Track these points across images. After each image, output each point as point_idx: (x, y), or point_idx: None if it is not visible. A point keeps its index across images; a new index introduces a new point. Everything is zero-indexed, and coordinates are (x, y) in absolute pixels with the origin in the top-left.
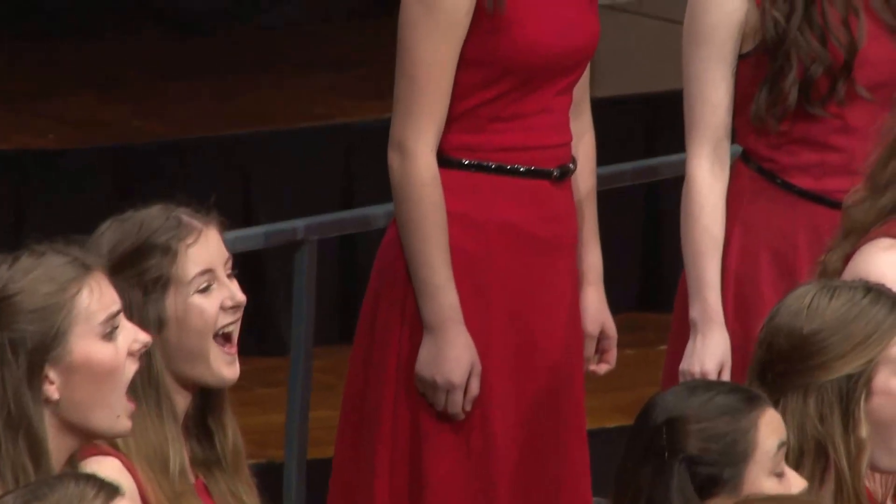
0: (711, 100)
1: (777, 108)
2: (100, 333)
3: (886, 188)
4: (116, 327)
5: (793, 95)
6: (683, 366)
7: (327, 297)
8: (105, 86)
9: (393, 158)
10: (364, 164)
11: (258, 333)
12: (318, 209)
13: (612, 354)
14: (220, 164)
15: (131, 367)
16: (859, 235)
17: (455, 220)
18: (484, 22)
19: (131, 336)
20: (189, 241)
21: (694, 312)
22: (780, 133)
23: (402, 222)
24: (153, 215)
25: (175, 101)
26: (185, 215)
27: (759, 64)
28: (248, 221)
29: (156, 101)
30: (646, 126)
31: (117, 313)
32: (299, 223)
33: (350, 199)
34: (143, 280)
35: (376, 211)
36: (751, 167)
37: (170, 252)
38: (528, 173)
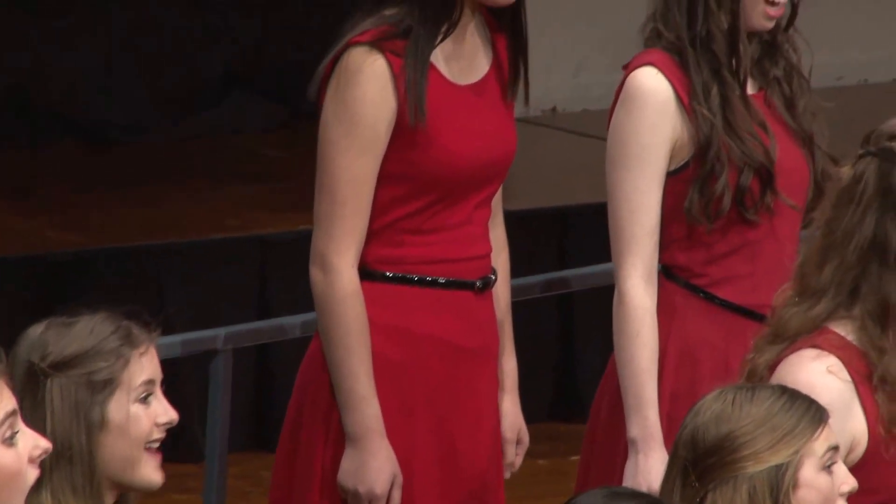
0: (644, 220)
1: (710, 209)
2: (0, 438)
3: (821, 296)
4: (16, 432)
5: (727, 198)
6: (627, 486)
7: (241, 403)
8: (18, 195)
9: (315, 274)
10: (279, 276)
11: (172, 439)
12: (231, 319)
13: (520, 460)
14: (135, 275)
15: (32, 474)
16: (788, 342)
17: (379, 330)
18: (405, 136)
19: (31, 442)
20: (141, 349)
21: (634, 431)
22: (710, 246)
23: (325, 336)
24: (103, 321)
25: (89, 211)
26: (133, 327)
27: (689, 178)
28: (162, 332)
29: (70, 212)
30: (558, 238)
31: (13, 413)
32: (219, 332)
33: (264, 310)
34: (91, 380)
35: (291, 321)
36: (678, 283)
37: (122, 357)
38: (451, 285)
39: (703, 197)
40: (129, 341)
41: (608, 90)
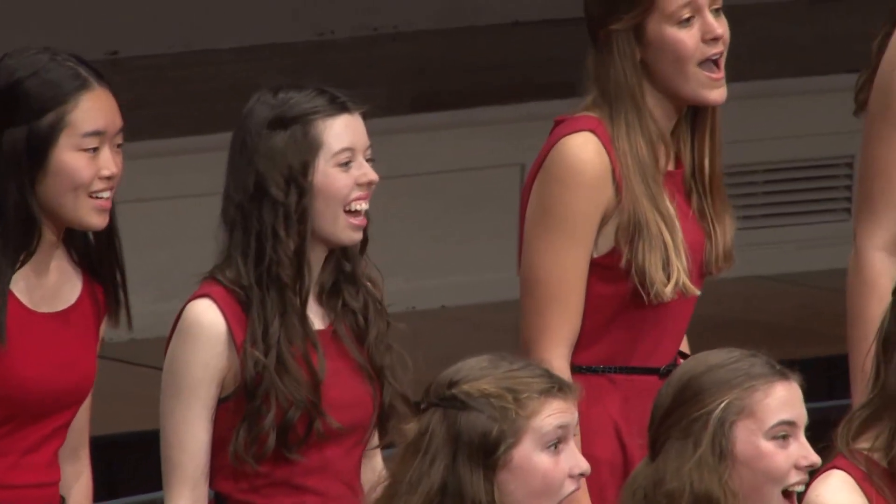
0: (191, 447)
1: (255, 449)
2: None
3: None
4: None
5: (272, 438)
6: None
7: None
8: None
9: None
10: None
11: None
12: None
13: None
14: None
15: None
16: None
17: None
18: None
19: None
20: None
21: None
22: (258, 476)
23: None
24: None
25: None
26: None
27: (237, 408)
28: None
29: None
30: (105, 468)
31: None
32: None
33: None
34: None
35: None
36: None
37: None
38: None
39: (251, 435)
40: None
41: (154, 321)
